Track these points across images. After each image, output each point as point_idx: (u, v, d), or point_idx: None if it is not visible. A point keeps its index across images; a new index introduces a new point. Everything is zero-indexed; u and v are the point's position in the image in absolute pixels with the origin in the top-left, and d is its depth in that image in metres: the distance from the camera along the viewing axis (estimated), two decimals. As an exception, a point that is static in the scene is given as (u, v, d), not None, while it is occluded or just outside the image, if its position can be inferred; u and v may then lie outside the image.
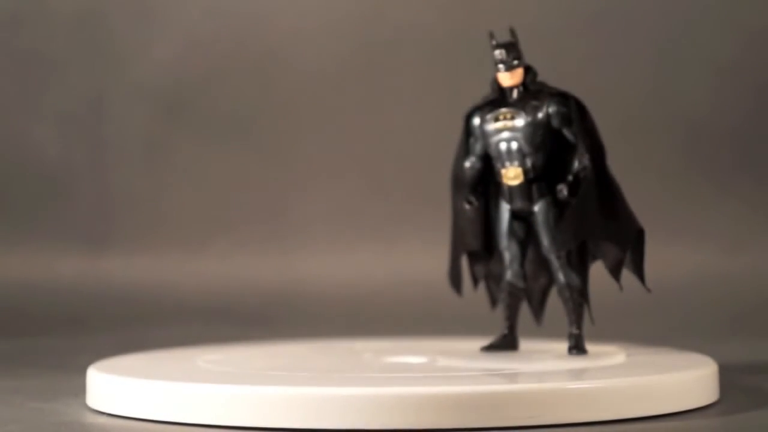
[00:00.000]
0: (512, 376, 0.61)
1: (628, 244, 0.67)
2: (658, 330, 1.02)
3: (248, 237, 1.22)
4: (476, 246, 0.70)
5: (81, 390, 0.66)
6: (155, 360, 0.71)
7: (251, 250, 1.19)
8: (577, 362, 0.65)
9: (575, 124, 0.67)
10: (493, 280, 0.72)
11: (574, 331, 0.68)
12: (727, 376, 0.64)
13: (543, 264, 0.70)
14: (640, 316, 1.07)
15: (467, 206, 0.69)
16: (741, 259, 1.15)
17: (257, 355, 0.72)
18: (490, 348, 0.69)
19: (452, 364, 0.66)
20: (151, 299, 1.15)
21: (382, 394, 0.57)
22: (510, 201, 0.68)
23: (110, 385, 0.62)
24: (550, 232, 0.67)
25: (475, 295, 0.72)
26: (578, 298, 0.68)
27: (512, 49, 0.67)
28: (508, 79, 0.67)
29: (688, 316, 1.07)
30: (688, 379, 0.61)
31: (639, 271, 0.68)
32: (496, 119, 0.67)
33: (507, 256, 0.69)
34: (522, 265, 0.69)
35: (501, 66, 0.67)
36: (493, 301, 0.72)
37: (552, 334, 0.74)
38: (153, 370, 0.65)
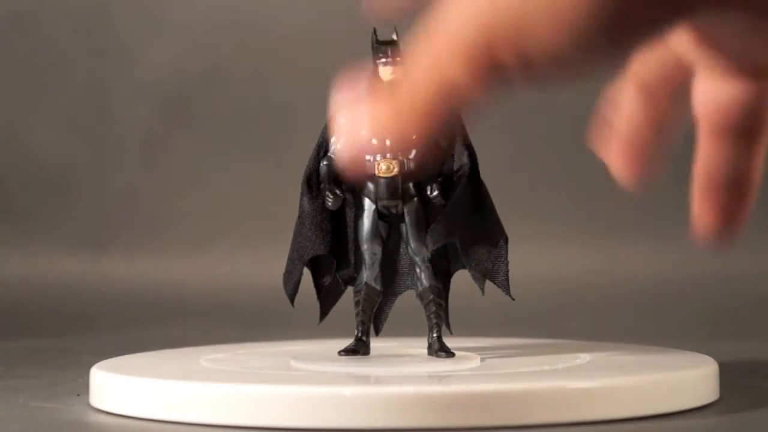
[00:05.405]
0: (511, 376, 0.61)
1: (494, 250, 0.66)
2: (657, 330, 1.02)
3: (249, 237, 1.22)
4: (324, 250, 0.67)
5: (84, 389, 0.66)
6: (158, 359, 0.71)
7: (252, 250, 1.19)
8: (576, 361, 0.65)
9: (454, 126, 0.66)
10: (328, 291, 0.69)
11: (435, 334, 0.66)
12: (726, 376, 0.65)
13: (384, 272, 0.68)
14: (640, 316, 1.07)
15: (330, 199, 0.66)
16: (738, 260, 1.15)
17: (258, 354, 0.72)
18: (349, 352, 0.67)
19: (446, 364, 0.66)
20: (152, 299, 1.15)
21: (381, 393, 0.57)
22: (377, 198, 0.66)
23: (113, 384, 0.62)
24: (419, 233, 0.66)
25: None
26: (439, 302, 0.66)
27: (396, 46, 0.66)
28: (391, 74, 0.66)
29: (687, 316, 1.08)
30: (688, 379, 0.62)
31: (505, 278, 0.66)
32: None
33: (368, 257, 0.67)
34: (381, 267, 0.67)
35: (387, 60, 0.66)
36: (324, 313, 0.69)
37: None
38: (155, 370, 0.65)
